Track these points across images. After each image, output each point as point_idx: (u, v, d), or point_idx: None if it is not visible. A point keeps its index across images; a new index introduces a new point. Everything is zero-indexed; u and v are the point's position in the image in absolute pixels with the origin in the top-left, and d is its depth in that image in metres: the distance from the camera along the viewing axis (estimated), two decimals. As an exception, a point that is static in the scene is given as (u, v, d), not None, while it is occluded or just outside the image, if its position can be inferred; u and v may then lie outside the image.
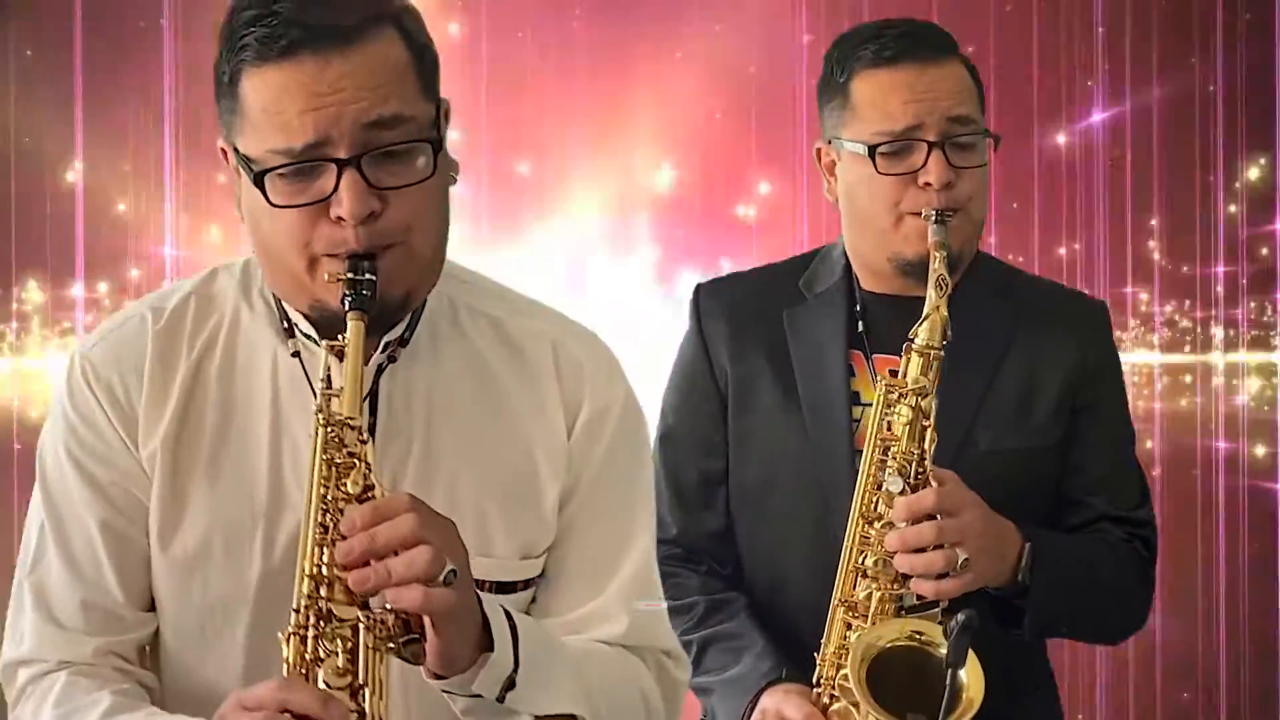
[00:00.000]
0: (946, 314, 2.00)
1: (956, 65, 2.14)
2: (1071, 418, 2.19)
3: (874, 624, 1.96)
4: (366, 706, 1.43)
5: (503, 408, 1.66)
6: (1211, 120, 4.07)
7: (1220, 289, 4.14)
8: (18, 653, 1.62)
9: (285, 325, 1.63)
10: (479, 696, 1.51)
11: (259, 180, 1.48)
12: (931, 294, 2.00)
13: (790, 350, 2.22)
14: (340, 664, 1.43)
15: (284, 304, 1.63)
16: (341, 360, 1.50)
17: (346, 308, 1.49)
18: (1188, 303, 4.15)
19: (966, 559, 1.93)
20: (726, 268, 3.98)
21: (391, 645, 1.45)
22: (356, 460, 1.48)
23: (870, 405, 2.14)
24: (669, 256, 4.10)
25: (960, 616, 1.63)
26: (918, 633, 1.91)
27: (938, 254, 2.03)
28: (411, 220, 1.51)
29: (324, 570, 1.45)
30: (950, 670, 1.58)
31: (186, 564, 1.60)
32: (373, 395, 1.60)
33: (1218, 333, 4.16)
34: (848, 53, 2.16)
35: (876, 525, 1.99)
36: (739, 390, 2.24)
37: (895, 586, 1.97)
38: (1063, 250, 4.06)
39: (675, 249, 4.10)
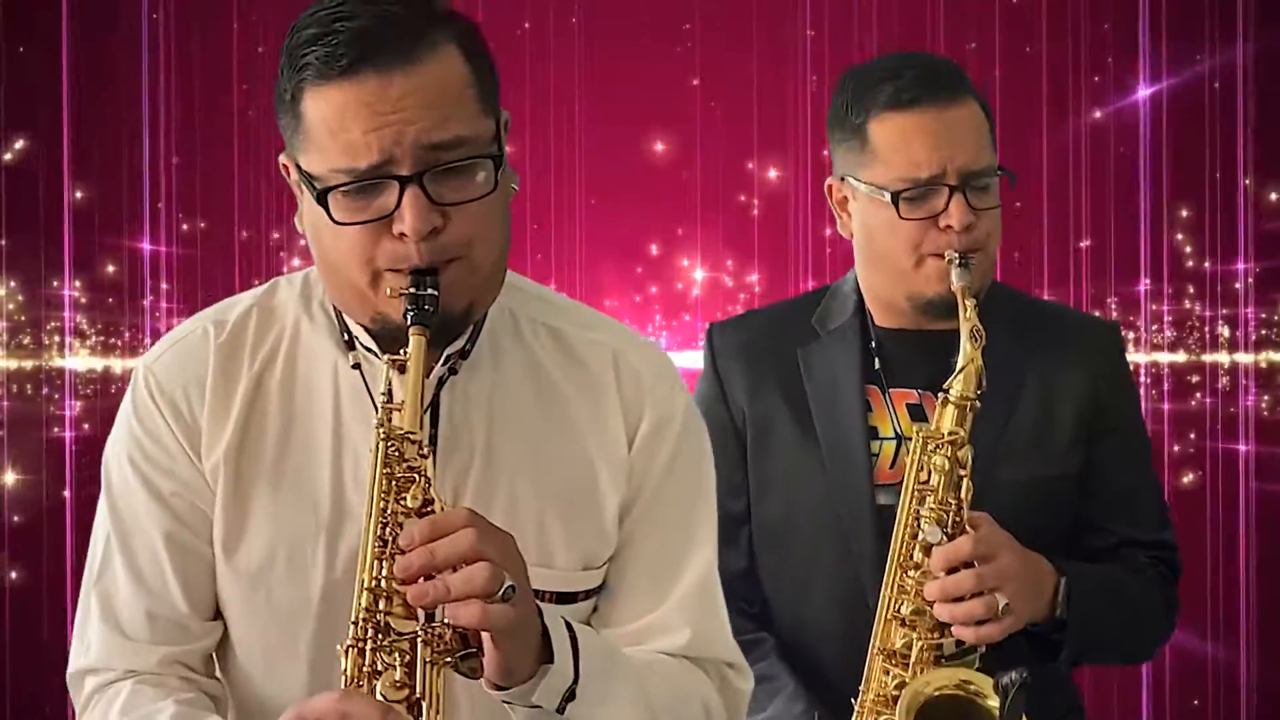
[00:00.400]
0: (982, 365, 2.01)
1: (972, 105, 2.15)
2: (1089, 445, 2.20)
3: (916, 673, 1.97)
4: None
5: (563, 419, 1.67)
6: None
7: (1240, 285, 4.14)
8: (85, 661, 1.65)
9: (346, 337, 1.65)
10: (539, 707, 1.52)
11: (322, 198, 1.50)
12: (966, 346, 2.02)
13: (806, 388, 2.23)
14: (398, 677, 1.44)
15: (344, 316, 1.64)
16: (403, 374, 1.52)
17: (409, 322, 1.50)
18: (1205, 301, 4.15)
19: (1007, 604, 1.94)
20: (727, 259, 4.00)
21: (449, 660, 1.46)
22: (416, 474, 1.49)
23: (889, 439, 2.18)
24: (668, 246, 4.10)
25: (1015, 674, 1.64)
26: (966, 682, 1.93)
27: (967, 302, 2.05)
28: (473, 234, 1.52)
29: (383, 584, 1.46)
30: None
31: (250, 576, 1.62)
32: (434, 407, 1.61)
33: (1225, 331, 4.15)
34: (863, 92, 2.15)
35: (914, 574, 2.00)
36: (757, 430, 2.25)
37: (934, 635, 1.98)
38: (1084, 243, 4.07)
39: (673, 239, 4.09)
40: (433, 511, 1.48)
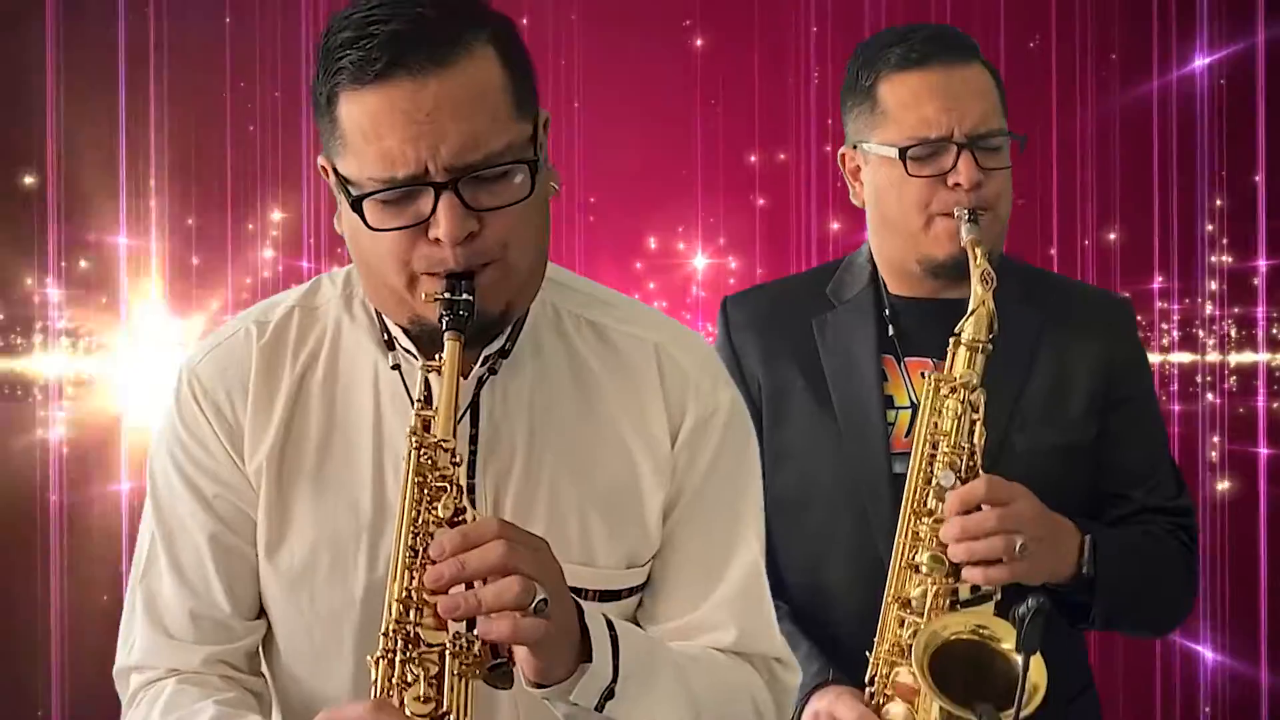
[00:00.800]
0: (993, 307, 2.01)
1: (981, 69, 2.17)
2: (1104, 414, 2.20)
3: (930, 619, 1.96)
4: None
5: (606, 417, 1.66)
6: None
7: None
8: (129, 659, 1.66)
9: (386, 337, 1.64)
10: (576, 706, 1.52)
11: (357, 205, 1.49)
12: (977, 289, 2.02)
13: (821, 359, 2.23)
14: (423, 691, 1.43)
15: (384, 316, 1.64)
16: (430, 387, 1.52)
17: (444, 327, 1.50)
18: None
19: (1024, 544, 1.93)
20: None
21: (478, 672, 1.45)
22: (448, 483, 1.48)
23: (904, 408, 2.17)
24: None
25: (1031, 601, 1.61)
26: (981, 627, 1.91)
27: (977, 249, 2.05)
28: (509, 238, 1.51)
29: (413, 594, 1.45)
30: (1024, 655, 1.55)
31: (293, 577, 1.63)
32: (474, 408, 1.61)
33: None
34: (873, 56, 2.17)
35: (928, 521, 1.99)
36: (773, 402, 2.25)
37: (949, 582, 1.97)
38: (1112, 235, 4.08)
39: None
40: (464, 521, 1.47)
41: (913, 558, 2.00)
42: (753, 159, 4.07)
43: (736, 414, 1.70)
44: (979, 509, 1.96)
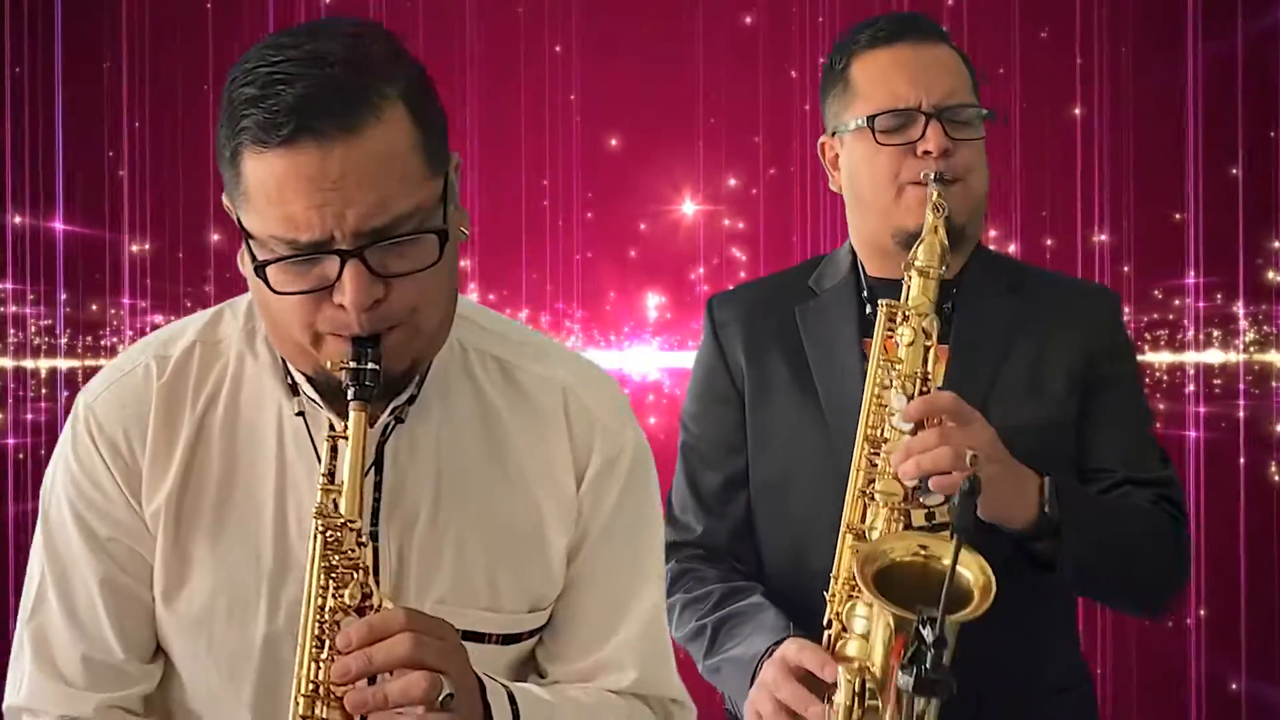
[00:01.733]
0: (945, 238, 2.03)
1: (949, 49, 2.23)
2: (1086, 397, 2.20)
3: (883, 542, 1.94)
4: None
5: (512, 460, 1.65)
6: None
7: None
8: (18, 699, 1.61)
9: (290, 380, 1.61)
10: None
11: (260, 271, 1.46)
12: (929, 216, 2.04)
13: (804, 345, 2.26)
14: None
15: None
16: (334, 454, 1.50)
17: (350, 396, 1.48)
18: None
19: (975, 455, 1.87)
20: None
21: None
22: (356, 567, 1.48)
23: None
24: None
25: (965, 483, 1.59)
26: (923, 547, 1.89)
27: (935, 189, 2.08)
28: (417, 302, 1.49)
29: (319, 687, 1.45)
30: (956, 537, 1.54)
31: (192, 623, 1.60)
32: (379, 458, 1.59)
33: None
34: (845, 43, 2.25)
35: (883, 448, 1.99)
36: (756, 389, 2.28)
37: (903, 506, 1.96)
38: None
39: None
40: (371, 607, 1.47)
41: (867, 486, 1.99)
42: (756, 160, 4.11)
43: (641, 455, 1.70)
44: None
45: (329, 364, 1.49)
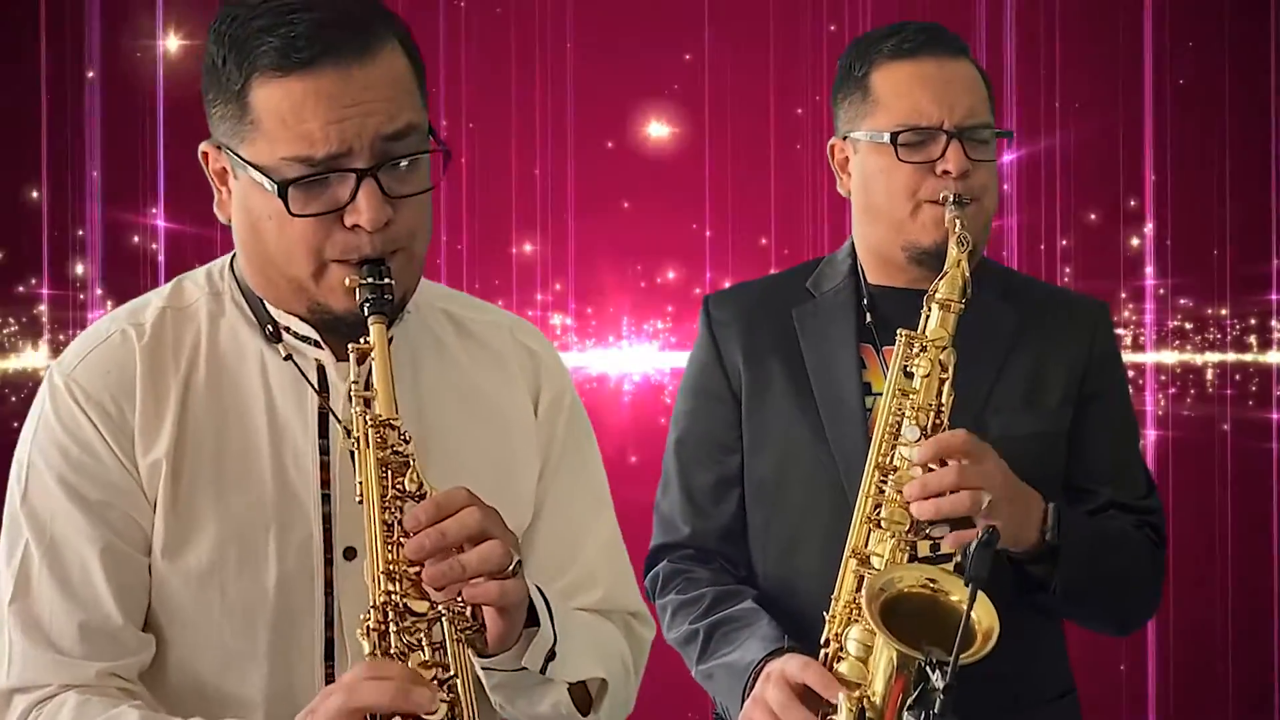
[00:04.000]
0: (968, 270, 2.03)
1: (971, 66, 2.22)
2: (1078, 408, 2.22)
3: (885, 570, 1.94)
4: (460, 694, 1.48)
5: (478, 402, 1.73)
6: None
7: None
8: (9, 681, 1.60)
9: (270, 329, 1.65)
10: (519, 671, 1.57)
11: (283, 192, 1.51)
12: (953, 250, 2.04)
13: (801, 347, 2.26)
14: (426, 656, 1.48)
15: (269, 308, 1.65)
16: (361, 363, 1.56)
17: (367, 312, 1.54)
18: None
19: (991, 500, 1.93)
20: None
21: (470, 635, 1.50)
22: (407, 460, 1.53)
23: (880, 395, 2.16)
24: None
25: (983, 533, 1.61)
26: (932, 580, 1.90)
27: (957, 220, 2.08)
28: (416, 226, 1.58)
29: (393, 568, 1.48)
30: (971, 585, 1.56)
31: (201, 575, 1.61)
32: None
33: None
34: (866, 49, 2.23)
35: (892, 476, 1.99)
36: (752, 390, 2.27)
37: (909, 536, 1.97)
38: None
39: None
40: (426, 494, 1.52)
41: (874, 513, 1.99)
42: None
43: (575, 393, 1.83)
44: (944, 464, 1.96)
45: (336, 284, 1.55)
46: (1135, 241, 4.13)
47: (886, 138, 2.16)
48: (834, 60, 2.34)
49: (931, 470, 1.95)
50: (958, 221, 2.09)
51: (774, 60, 4.10)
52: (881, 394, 2.16)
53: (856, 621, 1.96)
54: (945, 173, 2.14)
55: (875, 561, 1.97)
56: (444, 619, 1.48)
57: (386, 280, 1.54)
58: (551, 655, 1.59)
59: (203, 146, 1.61)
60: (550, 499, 1.77)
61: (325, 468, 1.64)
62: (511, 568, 1.48)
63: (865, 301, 2.25)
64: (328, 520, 1.63)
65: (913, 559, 1.98)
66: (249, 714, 1.62)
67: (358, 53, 1.51)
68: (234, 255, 1.70)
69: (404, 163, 1.54)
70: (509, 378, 1.77)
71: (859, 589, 1.97)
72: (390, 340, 1.57)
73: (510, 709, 1.67)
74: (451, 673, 1.47)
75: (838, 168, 2.29)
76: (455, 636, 1.49)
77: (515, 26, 4.10)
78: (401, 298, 1.59)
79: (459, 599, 1.47)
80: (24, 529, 1.61)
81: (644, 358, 4.01)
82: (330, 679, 1.61)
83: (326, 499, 1.63)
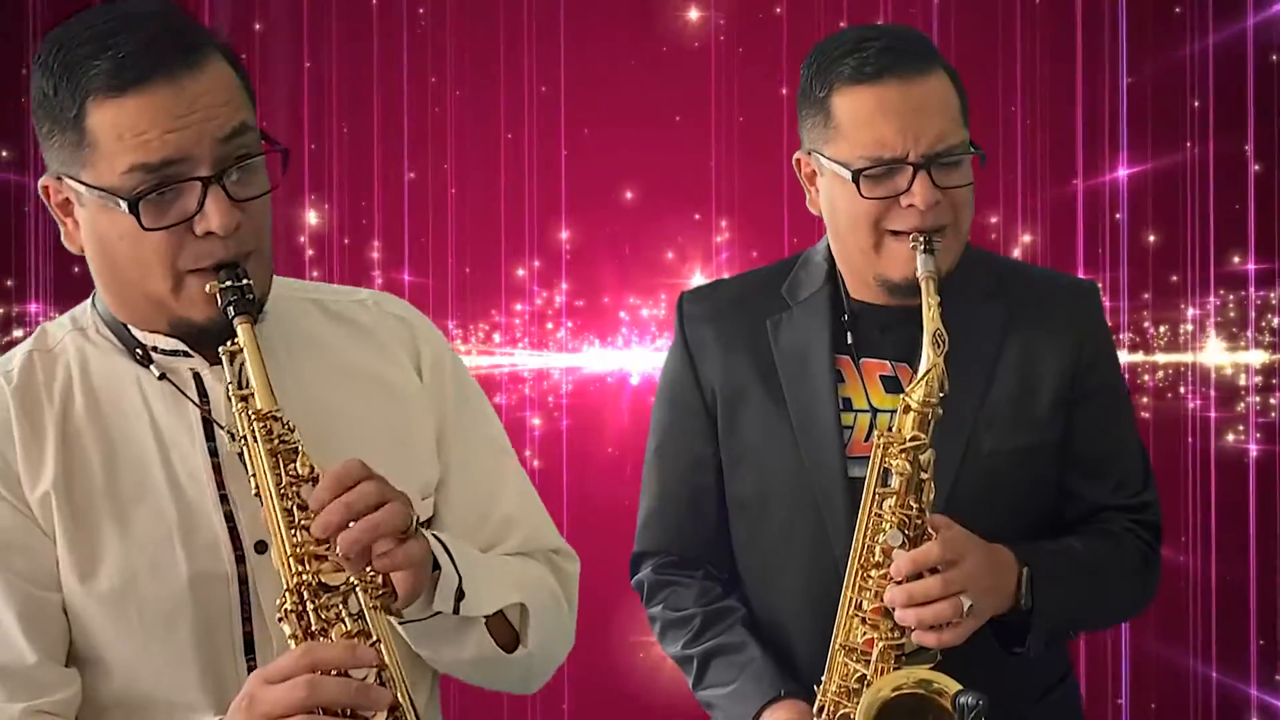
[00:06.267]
0: (944, 369, 1.96)
1: (940, 78, 2.07)
2: (1070, 408, 2.18)
3: (877, 669, 1.97)
4: (386, 658, 1.53)
5: (361, 375, 1.78)
6: None
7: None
8: None
9: (140, 354, 1.69)
10: (433, 616, 1.65)
11: (134, 207, 1.55)
12: (929, 352, 1.96)
13: (775, 360, 2.20)
14: (349, 627, 1.53)
15: (134, 332, 1.69)
16: (233, 363, 1.60)
17: (232, 313, 1.58)
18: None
19: (971, 605, 1.93)
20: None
21: (383, 601, 1.55)
22: (295, 448, 1.58)
23: (863, 411, 2.16)
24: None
25: (972, 699, 1.64)
26: (926, 681, 1.93)
27: (931, 300, 1.98)
28: (261, 227, 1.63)
29: (299, 549, 1.54)
30: None
31: (117, 595, 1.64)
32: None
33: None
34: (826, 66, 2.08)
35: (875, 573, 1.99)
36: (728, 405, 2.23)
37: (895, 634, 1.98)
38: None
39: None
40: (319, 476, 1.56)
41: (860, 607, 1.99)
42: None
43: (455, 354, 1.90)
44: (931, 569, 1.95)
45: (208, 288, 1.59)
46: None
47: (848, 174, 2.05)
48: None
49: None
50: (930, 282, 2.00)
51: (786, 55, 3.99)
52: (860, 410, 2.15)
53: (848, 706, 2.00)
54: (911, 205, 2.03)
55: (861, 653, 1.99)
56: (357, 589, 1.53)
57: (246, 281, 1.58)
58: (460, 594, 1.66)
59: (42, 181, 1.64)
60: (455, 457, 1.82)
61: (218, 470, 1.68)
62: (413, 528, 1.55)
63: (844, 316, 2.19)
64: (230, 519, 1.67)
65: (900, 654, 1.99)
66: (199, 716, 1.67)
67: (186, 65, 1.56)
68: (95, 294, 1.73)
69: (243, 167, 1.59)
70: (386, 349, 1.81)
71: (848, 674, 2.01)
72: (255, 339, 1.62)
73: (438, 660, 1.76)
74: (375, 638, 1.53)
75: (805, 181, 2.18)
76: (370, 604, 1.54)
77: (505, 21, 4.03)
78: (260, 296, 1.64)
79: (369, 569, 1.54)
80: None
81: (644, 358, 3.98)
82: (252, 670, 1.65)
83: (225, 499, 1.68)
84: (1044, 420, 2.16)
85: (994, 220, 3.98)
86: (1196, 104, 3.96)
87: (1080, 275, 3.78)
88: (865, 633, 1.99)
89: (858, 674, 1.99)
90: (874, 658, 1.98)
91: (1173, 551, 3.93)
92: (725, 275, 3.97)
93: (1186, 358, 4.05)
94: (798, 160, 2.18)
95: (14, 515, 1.63)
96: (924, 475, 1.97)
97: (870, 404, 2.17)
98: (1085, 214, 4.00)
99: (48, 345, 1.72)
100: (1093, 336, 2.22)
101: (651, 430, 2.33)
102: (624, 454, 3.89)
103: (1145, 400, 4.03)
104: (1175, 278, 4.01)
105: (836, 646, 2.01)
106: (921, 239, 2.03)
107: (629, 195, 4.03)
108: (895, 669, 1.97)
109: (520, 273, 4.06)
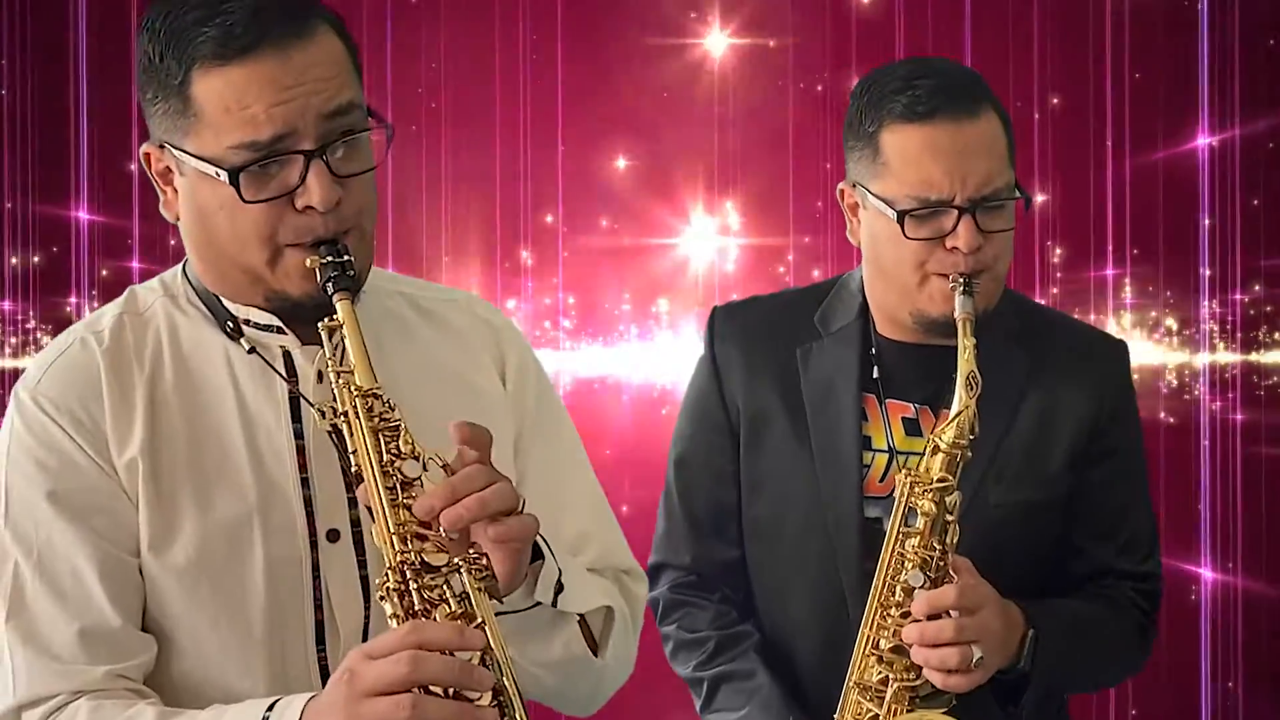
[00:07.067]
0: (975, 411, 1.96)
1: (992, 119, 2.07)
2: (1084, 467, 2.17)
3: (890, 709, 1.98)
4: (491, 641, 1.48)
5: (447, 374, 1.75)
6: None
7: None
8: (14, 698, 1.60)
9: (230, 326, 1.66)
10: (532, 608, 1.62)
11: (234, 178, 1.53)
12: (961, 394, 1.96)
13: (802, 390, 2.20)
14: (453, 607, 1.49)
15: (225, 304, 1.66)
16: (331, 337, 1.57)
17: (332, 289, 1.55)
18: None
19: (980, 658, 1.93)
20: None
21: (489, 583, 1.51)
22: (397, 426, 1.54)
23: (881, 451, 2.16)
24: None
25: None
26: None
27: (968, 342, 1.98)
28: (364, 205, 1.60)
29: (403, 528, 1.50)
30: None
31: (189, 569, 1.62)
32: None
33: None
34: (877, 100, 2.08)
35: (894, 612, 1.98)
36: (751, 427, 2.23)
37: (910, 675, 1.97)
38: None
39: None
40: (419, 456, 1.53)
41: (877, 645, 1.99)
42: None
43: (539, 362, 1.87)
44: (944, 613, 1.95)
45: (308, 262, 1.56)
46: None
47: (894, 214, 2.05)
48: (848, 65, 2.23)
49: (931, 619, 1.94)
50: (967, 324, 2.00)
51: (792, 49, 3.99)
52: (879, 450, 2.16)
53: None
54: (955, 248, 2.04)
55: (875, 692, 1.99)
56: (460, 569, 1.50)
57: (346, 257, 1.56)
58: (560, 587, 1.63)
59: (144, 148, 1.62)
60: (532, 467, 1.79)
61: (301, 451, 1.66)
62: (520, 505, 1.52)
63: (873, 352, 2.19)
64: (309, 504, 1.65)
65: (914, 695, 1.99)
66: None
67: (295, 35, 1.53)
68: (185, 262, 1.71)
69: (348, 142, 1.56)
70: (472, 352, 1.79)
71: (861, 710, 2.00)
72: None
73: (522, 659, 1.69)
74: (479, 620, 1.49)
75: (848, 211, 2.18)
76: (475, 585, 1.49)
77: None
78: (360, 274, 1.60)
79: (472, 549, 1.50)
80: (10, 549, 1.62)
81: (645, 357, 3.97)
82: (323, 663, 1.65)
83: (306, 483, 1.65)
84: (1055, 476, 2.16)
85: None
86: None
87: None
88: (881, 672, 1.99)
89: (871, 713, 1.99)
90: (887, 698, 1.98)
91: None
92: (727, 272, 3.98)
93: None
94: (841, 190, 2.18)
95: (100, 477, 1.61)
96: (949, 517, 1.96)
97: (890, 445, 2.17)
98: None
99: (138, 309, 1.70)
100: (1115, 395, 2.21)
101: (674, 440, 2.33)
102: (624, 454, 3.88)
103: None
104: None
105: (851, 684, 2.01)
106: (961, 280, 2.03)
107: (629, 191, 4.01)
108: (908, 710, 1.97)
109: (521, 260, 4.04)
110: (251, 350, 1.65)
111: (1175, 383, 4.03)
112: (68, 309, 3.98)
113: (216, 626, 1.64)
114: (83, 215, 3.97)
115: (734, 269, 4.01)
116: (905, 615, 1.97)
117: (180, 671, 1.65)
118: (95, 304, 3.84)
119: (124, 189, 3.93)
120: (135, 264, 3.97)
